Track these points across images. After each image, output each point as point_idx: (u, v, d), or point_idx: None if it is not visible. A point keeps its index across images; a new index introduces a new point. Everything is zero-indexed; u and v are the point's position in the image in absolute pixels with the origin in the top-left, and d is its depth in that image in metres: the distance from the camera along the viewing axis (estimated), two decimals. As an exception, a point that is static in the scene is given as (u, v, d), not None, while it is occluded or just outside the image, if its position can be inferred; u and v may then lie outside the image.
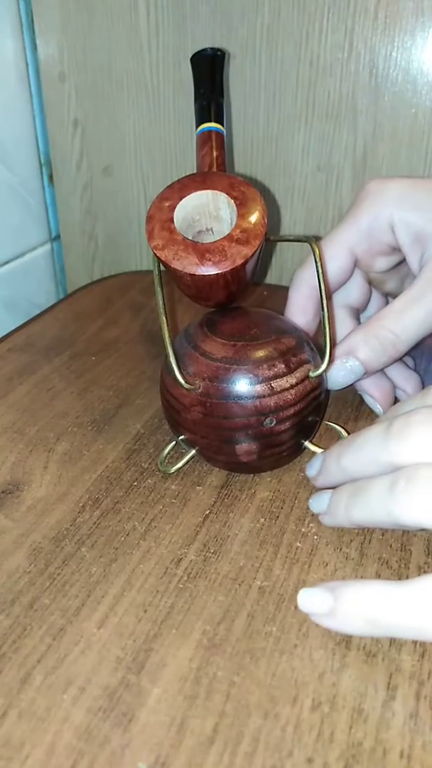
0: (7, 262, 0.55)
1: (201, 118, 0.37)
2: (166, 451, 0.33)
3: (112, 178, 0.56)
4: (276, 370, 0.29)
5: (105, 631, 0.24)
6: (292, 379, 0.29)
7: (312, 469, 0.30)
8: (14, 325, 0.49)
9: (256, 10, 0.46)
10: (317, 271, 0.31)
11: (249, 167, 0.52)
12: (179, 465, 0.32)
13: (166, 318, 0.29)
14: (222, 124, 0.36)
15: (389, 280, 0.37)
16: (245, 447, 0.30)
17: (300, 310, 0.36)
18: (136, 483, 0.32)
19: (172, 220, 0.29)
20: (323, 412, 0.33)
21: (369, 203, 0.34)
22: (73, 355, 0.43)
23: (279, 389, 0.29)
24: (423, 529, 0.28)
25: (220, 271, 0.27)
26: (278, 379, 0.29)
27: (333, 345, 0.30)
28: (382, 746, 0.20)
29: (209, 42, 0.48)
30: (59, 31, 0.51)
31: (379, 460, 0.25)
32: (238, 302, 0.33)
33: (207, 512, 0.30)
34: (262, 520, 0.29)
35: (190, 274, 0.28)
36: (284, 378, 0.29)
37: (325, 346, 0.30)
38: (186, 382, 0.29)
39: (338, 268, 0.35)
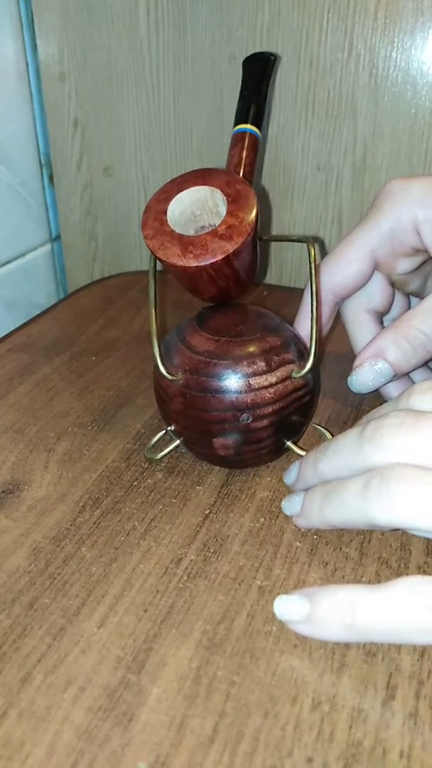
0: (7, 262, 0.55)
1: (239, 119, 0.37)
2: (155, 439, 0.34)
3: (112, 178, 0.56)
4: (255, 367, 0.29)
5: (105, 630, 0.24)
6: (272, 378, 0.29)
7: (289, 477, 0.30)
8: (14, 325, 0.49)
9: (256, 10, 0.46)
10: (310, 272, 0.31)
11: (249, 167, 0.52)
12: (164, 452, 0.32)
13: (156, 309, 0.31)
14: (259, 128, 0.36)
15: (412, 280, 0.36)
16: (221, 441, 0.30)
17: None
18: (136, 483, 0.32)
19: (165, 212, 0.29)
20: (310, 414, 0.33)
21: (391, 204, 0.33)
22: (73, 355, 0.44)
23: (257, 386, 0.29)
24: (396, 529, 0.28)
25: (199, 264, 0.28)
26: (257, 377, 0.29)
27: (318, 347, 0.30)
28: (382, 746, 0.20)
29: (209, 42, 0.48)
30: (59, 31, 0.51)
31: (354, 464, 0.25)
32: (238, 299, 0.33)
33: (207, 512, 0.30)
34: (262, 519, 0.29)
35: (173, 265, 0.28)
36: (263, 376, 0.29)
37: (310, 348, 0.30)
38: (169, 372, 0.30)
39: (357, 272, 0.34)
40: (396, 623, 0.22)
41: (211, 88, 0.50)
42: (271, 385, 0.29)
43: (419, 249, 0.33)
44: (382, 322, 0.37)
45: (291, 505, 0.28)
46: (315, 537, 0.28)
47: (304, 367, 0.30)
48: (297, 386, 0.30)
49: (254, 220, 0.28)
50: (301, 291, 0.54)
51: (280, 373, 0.29)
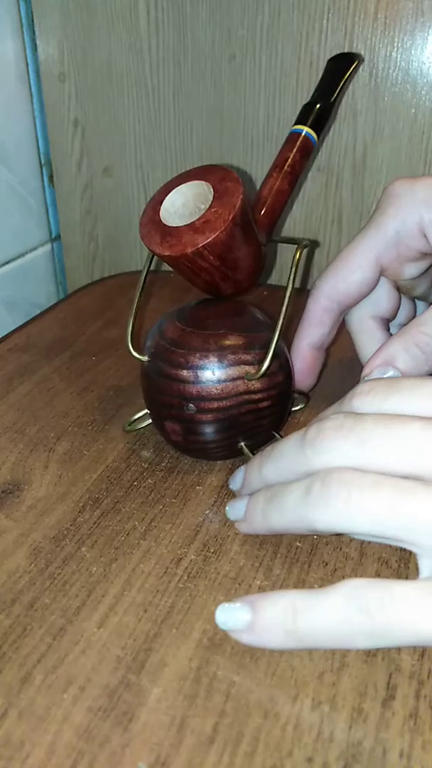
0: (7, 262, 0.55)
1: (299, 118, 0.37)
2: (136, 416, 0.35)
3: (112, 178, 0.56)
4: (206, 361, 0.29)
5: (105, 630, 0.24)
6: (221, 374, 0.29)
7: (235, 482, 0.30)
8: (14, 325, 0.49)
9: (256, 10, 0.46)
10: (290, 276, 0.31)
11: (249, 167, 0.52)
12: (138, 426, 0.35)
13: (142, 292, 0.34)
14: (318, 132, 0.36)
15: (419, 285, 0.35)
16: (170, 425, 0.31)
17: (316, 322, 0.35)
18: (136, 483, 0.32)
19: (161, 202, 0.30)
20: (270, 420, 0.32)
21: (395, 207, 0.32)
22: (73, 355, 0.44)
23: (204, 380, 0.29)
24: (338, 534, 0.28)
25: (171, 254, 0.29)
26: (205, 371, 0.29)
27: (275, 354, 0.29)
28: (382, 746, 0.20)
29: (209, 42, 0.48)
30: (59, 32, 0.51)
31: (296, 469, 0.25)
32: (239, 296, 0.33)
33: (207, 512, 0.30)
34: (262, 519, 0.29)
35: (153, 252, 0.29)
36: (212, 371, 0.29)
37: (267, 353, 0.29)
38: (141, 354, 0.32)
39: (362, 279, 0.33)
40: (336, 627, 0.21)
41: (211, 88, 0.50)
42: (219, 381, 0.29)
43: (426, 252, 0.32)
44: (388, 329, 0.36)
45: (235, 511, 0.28)
46: (315, 537, 0.28)
47: (259, 371, 0.30)
48: (251, 388, 0.30)
49: (232, 217, 0.28)
50: (301, 291, 0.53)
51: (231, 371, 0.30)
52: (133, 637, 0.24)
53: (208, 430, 0.30)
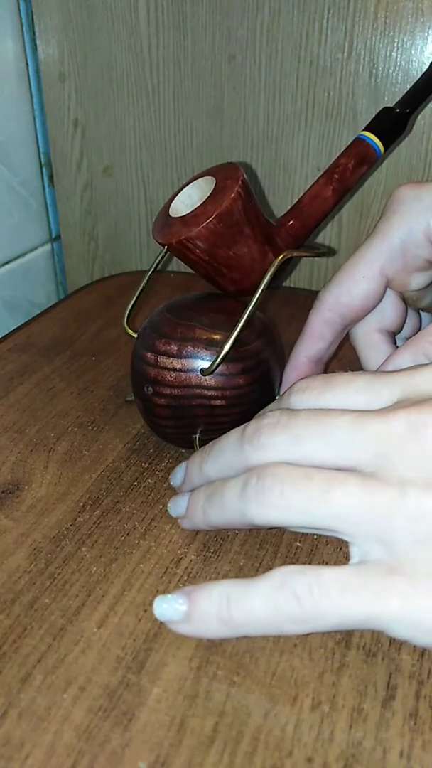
0: (7, 262, 0.55)
1: (372, 123, 0.35)
2: None
3: (112, 178, 0.56)
4: (167, 348, 0.30)
5: (105, 630, 0.24)
6: (177, 363, 0.30)
7: (176, 479, 0.30)
8: (14, 325, 0.49)
9: (256, 10, 0.46)
10: (262, 282, 0.31)
11: (249, 167, 0.52)
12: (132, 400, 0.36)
13: (149, 278, 0.35)
14: (385, 144, 0.34)
15: (425, 296, 0.34)
16: (138, 402, 0.33)
17: (317, 335, 0.33)
18: (136, 483, 0.32)
19: (177, 194, 0.32)
20: (233, 421, 0.31)
21: (400, 215, 0.31)
22: (73, 355, 0.44)
23: (161, 365, 0.30)
24: (275, 527, 0.28)
25: (162, 242, 0.30)
26: (164, 357, 0.30)
27: (228, 352, 0.29)
28: (382, 746, 0.20)
29: (209, 42, 0.48)
30: (59, 32, 0.51)
31: (236, 465, 0.25)
32: (243, 296, 0.33)
33: (207, 512, 0.30)
34: (262, 519, 0.29)
35: (153, 237, 0.31)
36: (170, 358, 0.30)
37: (221, 350, 0.29)
38: (132, 330, 0.34)
39: (366, 291, 0.32)
40: (268, 614, 0.22)
41: (211, 88, 0.50)
42: (174, 370, 0.30)
43: None
44: (395, 342, 0.35)
45: (176, 507, 0.28)
46: (315, 537, 0.28)
47: (211, 368, 0.30)
48: (203, 384, 0.30)
49: (217, 214, 0.29)
50: (301, 291, 0.53)
51: (187, 363, 0.30)
52: (133, 637, 0.24)
53: (162, 414, 0.31)
